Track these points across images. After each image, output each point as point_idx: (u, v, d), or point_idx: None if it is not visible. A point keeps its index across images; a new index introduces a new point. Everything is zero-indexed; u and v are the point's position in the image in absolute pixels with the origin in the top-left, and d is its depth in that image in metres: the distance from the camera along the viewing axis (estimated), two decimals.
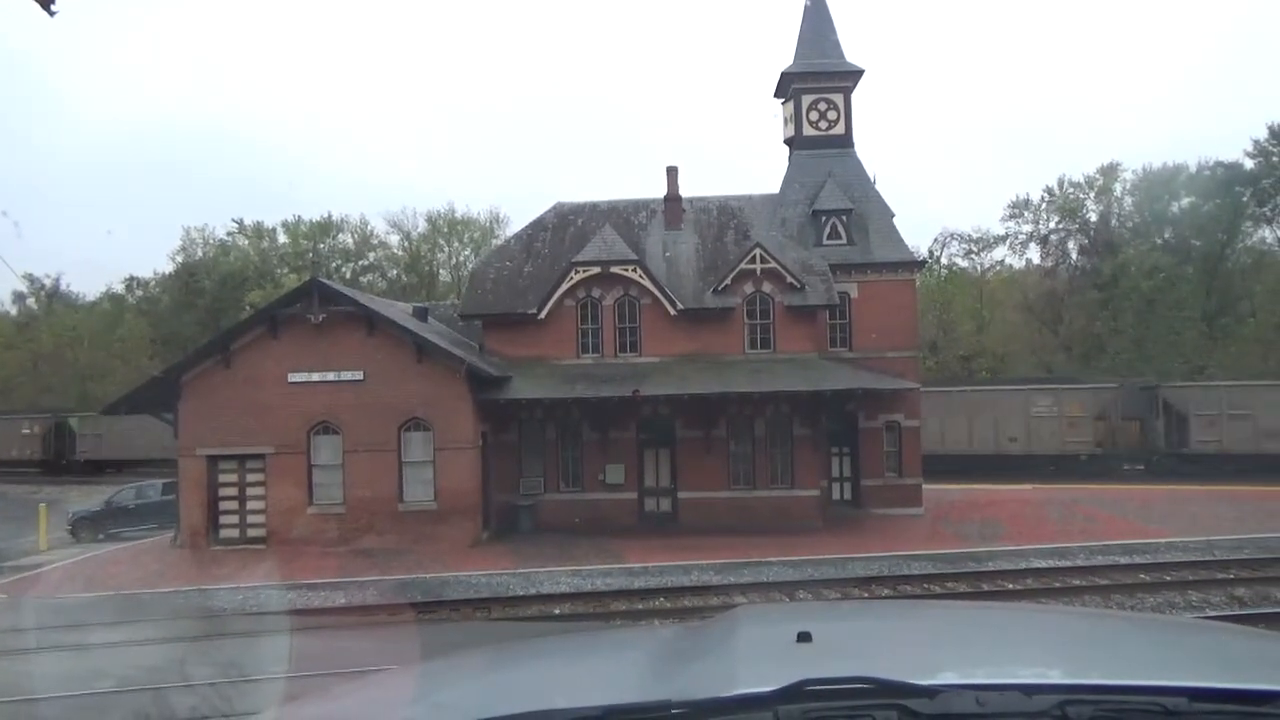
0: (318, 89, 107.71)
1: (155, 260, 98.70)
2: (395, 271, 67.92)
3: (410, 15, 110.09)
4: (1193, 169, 52.46)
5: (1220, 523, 22.17)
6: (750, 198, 29.12)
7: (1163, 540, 20.21)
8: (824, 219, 27.87)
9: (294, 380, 22.75)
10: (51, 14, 7.15)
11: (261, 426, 22.57)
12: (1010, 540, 20.75)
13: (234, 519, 23.11)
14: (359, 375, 22.77)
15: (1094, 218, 55.93)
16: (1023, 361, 53.35)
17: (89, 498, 32.96)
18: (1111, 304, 50.12)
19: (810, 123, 29.39)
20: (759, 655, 1.96)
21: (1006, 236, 57.49)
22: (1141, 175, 54.67)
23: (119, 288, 69.26)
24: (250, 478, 23.05)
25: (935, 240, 60.73)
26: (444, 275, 66.52)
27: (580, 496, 25.33)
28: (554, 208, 29.04)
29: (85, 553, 24.36)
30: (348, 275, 63.44)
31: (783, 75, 30.00)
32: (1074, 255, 56.39)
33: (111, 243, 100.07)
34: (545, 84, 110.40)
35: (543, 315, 25.44)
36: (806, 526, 23.69)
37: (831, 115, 29.40)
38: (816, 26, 30.36)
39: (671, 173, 28.03)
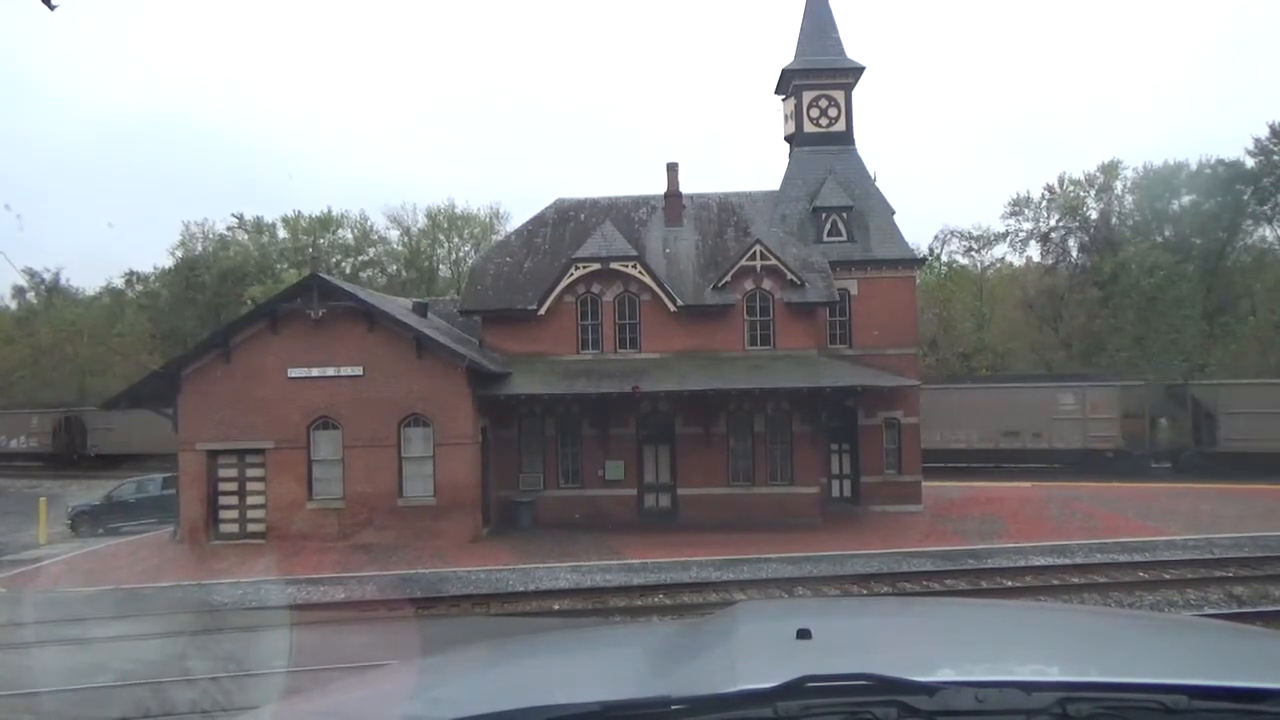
0: (318, 84, 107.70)
1: (155, 255, 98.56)
2: (395, 267, 67.88)
3: (410, 11, 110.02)
4: (1193, 167, 52.46)
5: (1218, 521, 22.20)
6: (751, 194, 29.10)
7: (1161, 539, 20.22)
8: (824, 216, 27.86)
9: (294, 375, 22.74)
10: (52, 8, 7.15)
11: (261, 421, 22.59)
12: (1010, 538, 20.77)
13: (233, 514, 23.11)
14: (359, 370, 22.78)
15: (1094, 215, 55.88)
16: (1023, 359, 53.37)
17: (89, 492, 33.00)
18: (1112, 302, 50.11)
19: (811, 119, 29.36)
20: (759, 651, 1.97)
21: (1007, 234, 57.51)
22: (1142, 173, 54.69)
23: (119, 282, 69.31)
24: (250, 473, 23.05)
25: (935, 237, 60.86)
26: (444, 271, 66.50)
27: (580, 492, 25.34)
28: (554, 204, 29.03)
29: (85, 547, 24.38)
30: (347, 270, 63.39)
31: (784, 72, 29.96)
32: (1074, 253, 56.36)
33: (111, 237, 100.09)
34: (546, 80, 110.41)
35: (543, 311, 25.44)
36: (806, 523, 23.70)
37: (832, 112, 29.37)
38: (817, 23, 30.31)
39: (672, 169, 28.01)
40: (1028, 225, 56.57)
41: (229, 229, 67.37)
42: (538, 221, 28.55)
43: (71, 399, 51.69)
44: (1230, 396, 33.93)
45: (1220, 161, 50.88)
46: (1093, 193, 55.82)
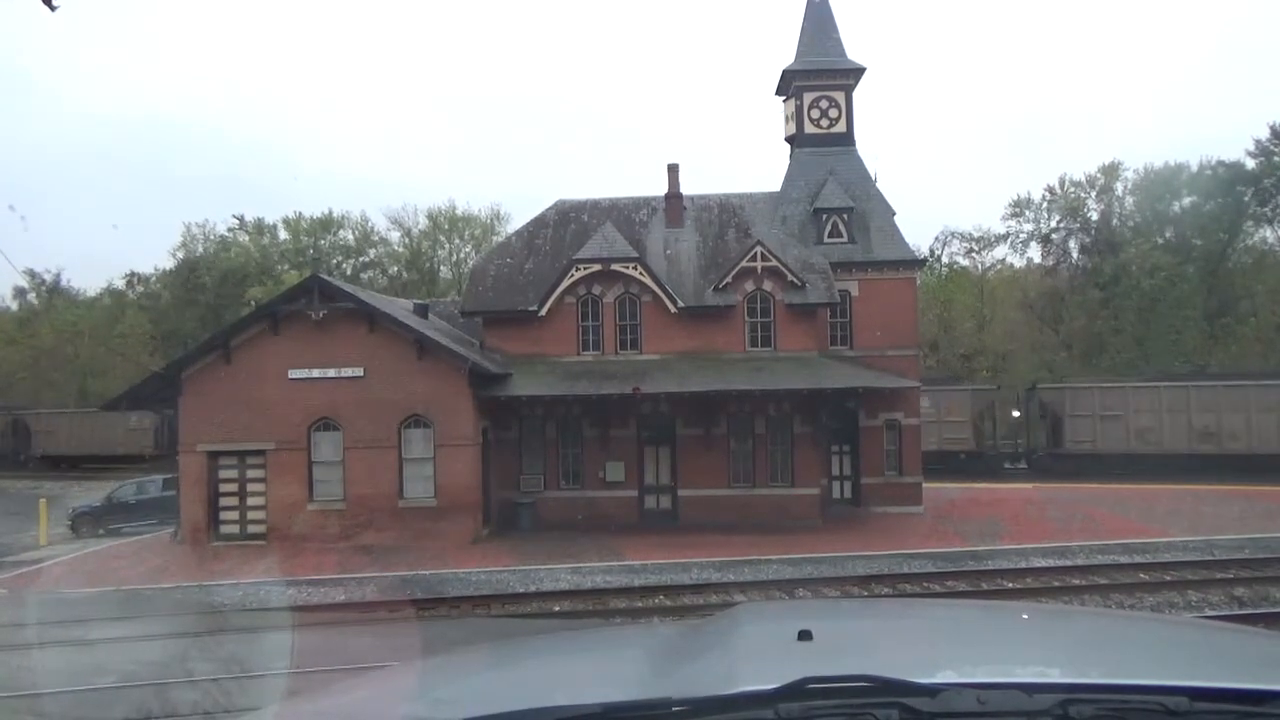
0: (319, 85, 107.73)
1: (156, 256, 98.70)
2: (396, 268, 67.89)
3: (411, 11, 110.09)
4: (1194, 168, 52.49)
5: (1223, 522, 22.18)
6: (751, 195, 29.09)
7: (1163, 540, 20.20)
8: (825, 217, 27.86)
9: (295, 376, 22.74)
10: (53, 9, 7.16)
11: (262, 423, 22.59)
12: (1011, 539, 20.75)
13: (234, 515, 23.12)
14: (359, 372, 22.78)
15: (1095, 217, 55.87)
16: (1024, 361, 53.35)
17: (90, 493, 33.01)
18: (1112, 303, 50.10)
19: (812, 120, 29.36)
20: (760, 653, 1.97)
21: (1008, 235, 57.51)
22: (1143, 174, 54.70)
23: (120, 283, 69.22)
24: (251, 474, 23.06)
25: (936, 239, 60.85)
26: (445, 272, 66.49)
27: (580, 494, 25.33)
28: (555, 205, 29.02)
29: (86, 548, 24.38)
30: (348, 272, 63.39)
31: (784, 73, 29.97)
32: (1075, 254, 56.36)
33: (112, 238, 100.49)
34: (547, 81, 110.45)
35: (543, 312, 25.45)
36: (806, 524, 23.69)
37: (833, 113, 29.37)
38: (818, 24, 30.31)
39: (672, 170, 28.01)
40: (1028, 226, 56.64)
41: (230, 230, 67.45)
42: (538, 223, 28.55)
43: (17, 401, 51.92)
44: (1075, 400, 34.64)
45: (1221, 163, 50.93)
46: (1093, 194, 55.87)
